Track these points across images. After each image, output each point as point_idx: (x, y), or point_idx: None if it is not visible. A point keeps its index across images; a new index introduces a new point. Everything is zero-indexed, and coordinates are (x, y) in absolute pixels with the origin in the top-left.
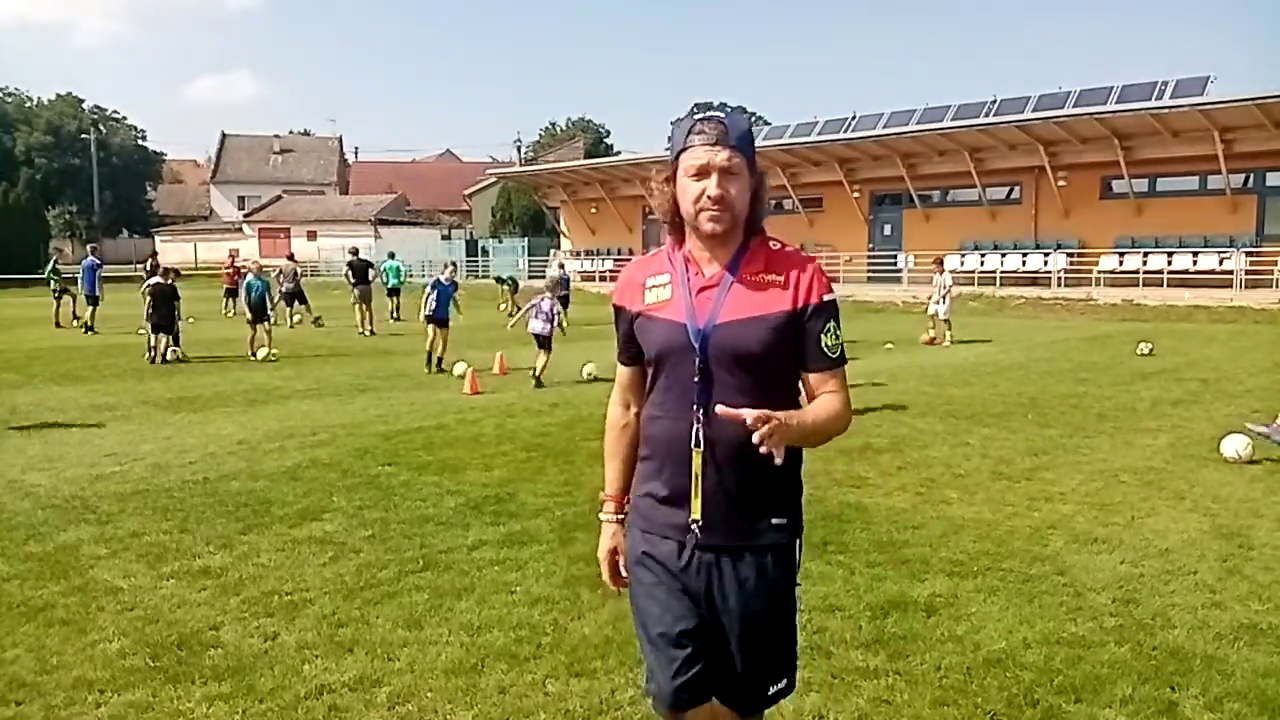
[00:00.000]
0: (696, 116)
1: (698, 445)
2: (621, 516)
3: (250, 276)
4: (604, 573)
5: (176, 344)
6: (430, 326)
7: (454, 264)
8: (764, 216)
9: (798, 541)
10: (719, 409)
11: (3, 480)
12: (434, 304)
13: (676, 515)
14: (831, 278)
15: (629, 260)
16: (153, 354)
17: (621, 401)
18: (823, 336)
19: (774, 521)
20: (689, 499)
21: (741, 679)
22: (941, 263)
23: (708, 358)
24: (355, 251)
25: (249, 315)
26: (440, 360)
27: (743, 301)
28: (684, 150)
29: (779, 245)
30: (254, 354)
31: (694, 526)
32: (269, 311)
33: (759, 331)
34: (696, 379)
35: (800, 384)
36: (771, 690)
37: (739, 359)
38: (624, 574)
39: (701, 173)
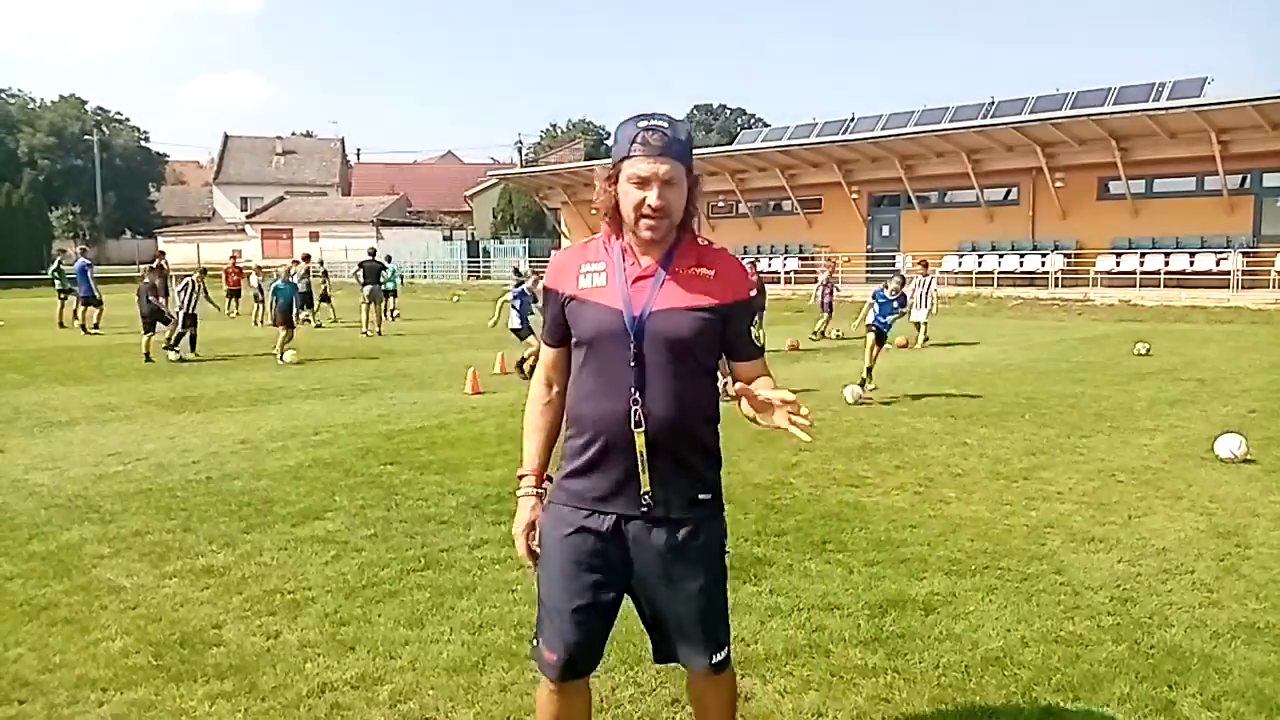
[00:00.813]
0: (641, 125)
1: (638, 425)
2: (540, 491)
3: (279, 281)
4: (519, 547)
5: (192, 347)
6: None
7: (534, 274)
8: (695, 215)
9: (722, 514)
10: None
11: (6, 480)
12: (518, 318)
13: (613, 491)
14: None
15: None
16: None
17: (544, 380)
18: (752, 329)
19: (701, 497)
20: (627, 476)
21: (687, 639)
22: (925, 265)
23: (642, 343)
24: (373, 253)
25: (278, 317)
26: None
27: (676, 292)
28: (627, 158)
29: (706, 243)
30: (281, 358)
31: (645, 498)
32: (300, 313)
33: (690, 321)
34: (632, 363)
35: (717, 371)
36: (715, 659)
37: (671, 345)
38: (536, 550)
39: (643, 183)
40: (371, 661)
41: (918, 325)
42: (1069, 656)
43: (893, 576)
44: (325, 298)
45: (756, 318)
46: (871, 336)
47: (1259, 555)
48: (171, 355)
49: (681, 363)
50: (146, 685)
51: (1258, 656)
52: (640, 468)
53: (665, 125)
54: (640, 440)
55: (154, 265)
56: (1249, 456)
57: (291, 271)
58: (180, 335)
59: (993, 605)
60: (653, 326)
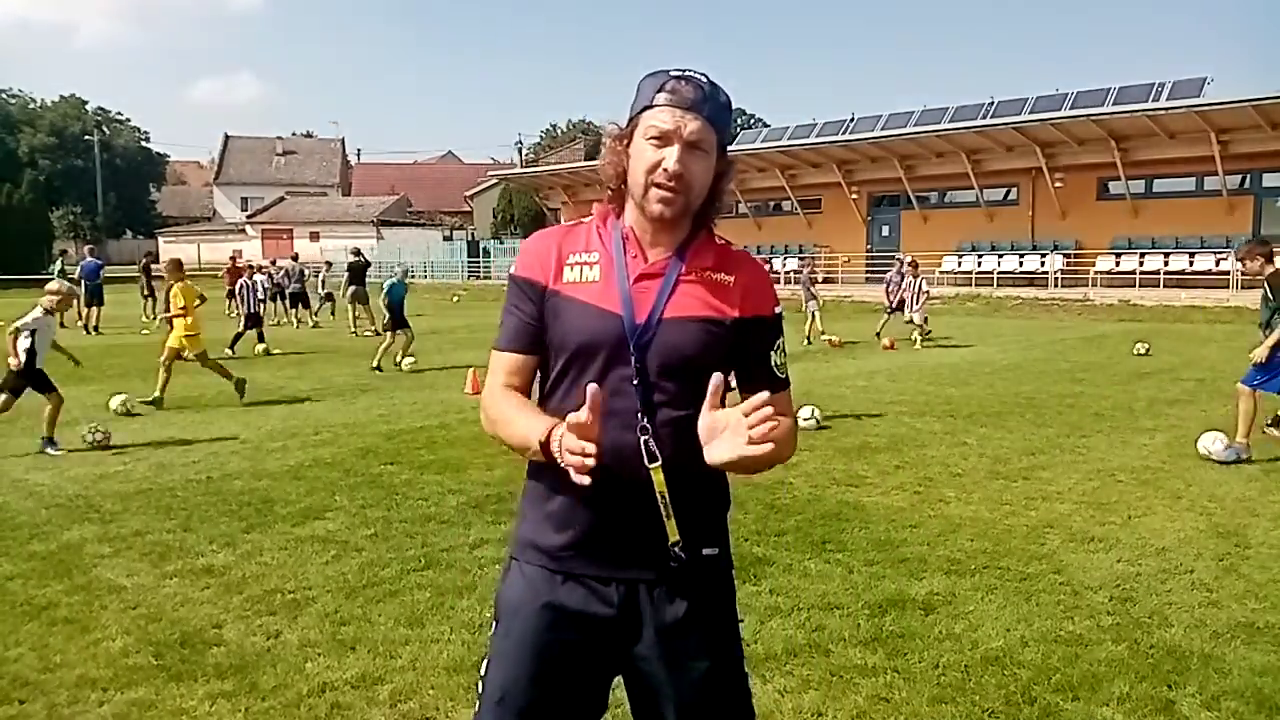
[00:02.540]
0: (672, 73)
1: (653, 460)
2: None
3: (392, 280)
4: (572, 445)
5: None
6: None
7: None
8: (720, 211)
9: (732, 572)
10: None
11: (6, 479)
12: None
13: (620, 548)
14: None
15: None
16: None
17: (502, 387)
18: (773, 354)
19: (717, 552)
20: (638, 527)
21: None
22: (915, 265)
23: (645, 358)
24: (357, 252)
25: (387, 320)
26: None
27: (690, 298)
28: (648, 108)
29: (725, 243)
30: (398, 364)
31: (676, 551)
32: (296, 313)
33: (706, 335)
34: (635, 382)
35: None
36: None
37: (682, 364)
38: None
39: (664, 139)
40: (371, 661)
41: (911, 323)
42: (1069, 656)
43: (893, 576)
44: (304, 300)
45: (780, 340)
46: None
47: (1259, 555)
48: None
49: (688, 386)
50: (147, 685)
51: (1257, 656)
52: (664, 513)
53: (703, 79)
54: (659, 478)
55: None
56: (1246, 456)
57: (409, 272)
58: (239, 335)
59: (992, 605)
60: (661, 338)
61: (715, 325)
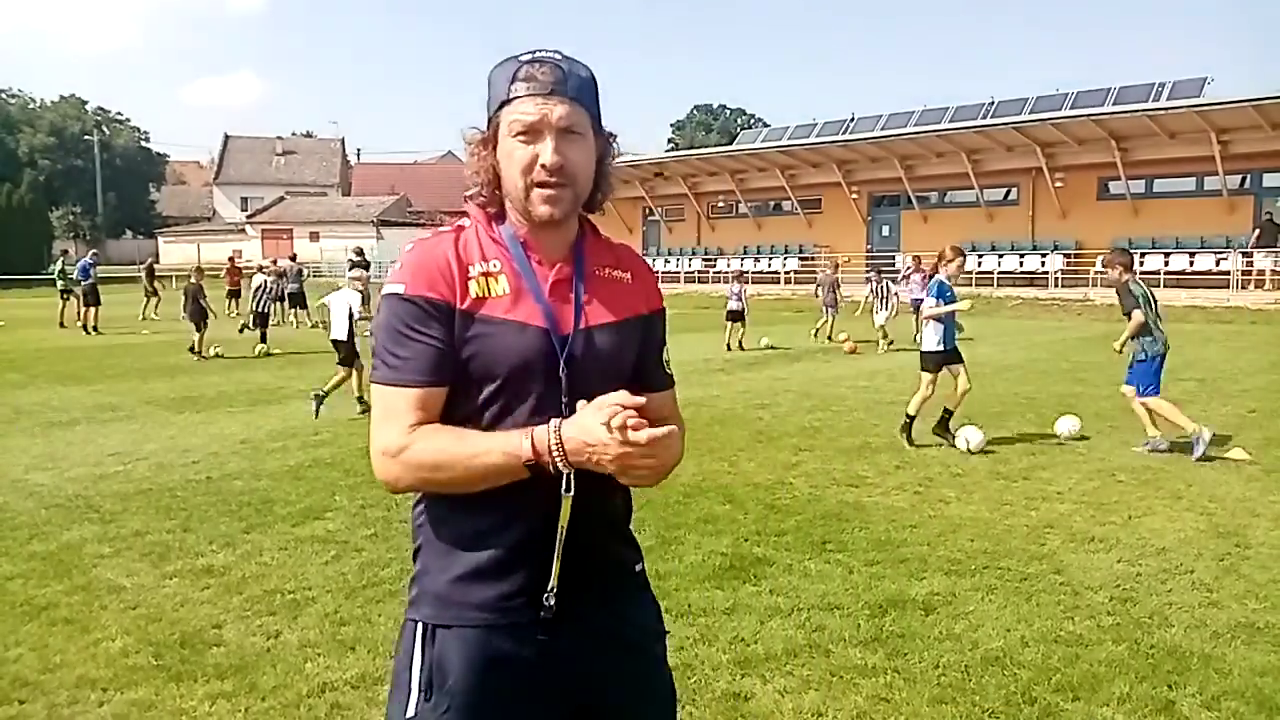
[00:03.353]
0: (523, 59)
1: (568, 490)
2: (558, 422)
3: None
4: (615, 433)
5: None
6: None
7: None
8: (607, 196)
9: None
10: (588, 406)
11: (6, 479)
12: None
13: (535, 589)
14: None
15: None
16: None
17: (409, 427)
18: (664, 350)
19: (639, 568)
20: (545, 566)
21: None
22: (918, 260)
23: (572, 374)
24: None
25: None
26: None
27: (603, 302)
28: (507, 102)
29: (605, 235)
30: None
31: (549, 596)
32: (295, 313)
33: (625, 339)
34: (565, 401)
35: None
36: None
37: (608, 373)
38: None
39: (532, 132)
40: (371, 661)
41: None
42: (1069, 656)
43: (893, 576)
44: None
45: (664, 335)
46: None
47: (1259, 555)
48: (260, 347)
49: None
50: (146, 685)
51: (1257, 656)
52: (556, 552)
53: (558, 56)
54: (565, 509)
55: (198, 268)
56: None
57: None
58: (248, 327)
59: (993, 605)
60: (586, 350)
61: (630, 327)
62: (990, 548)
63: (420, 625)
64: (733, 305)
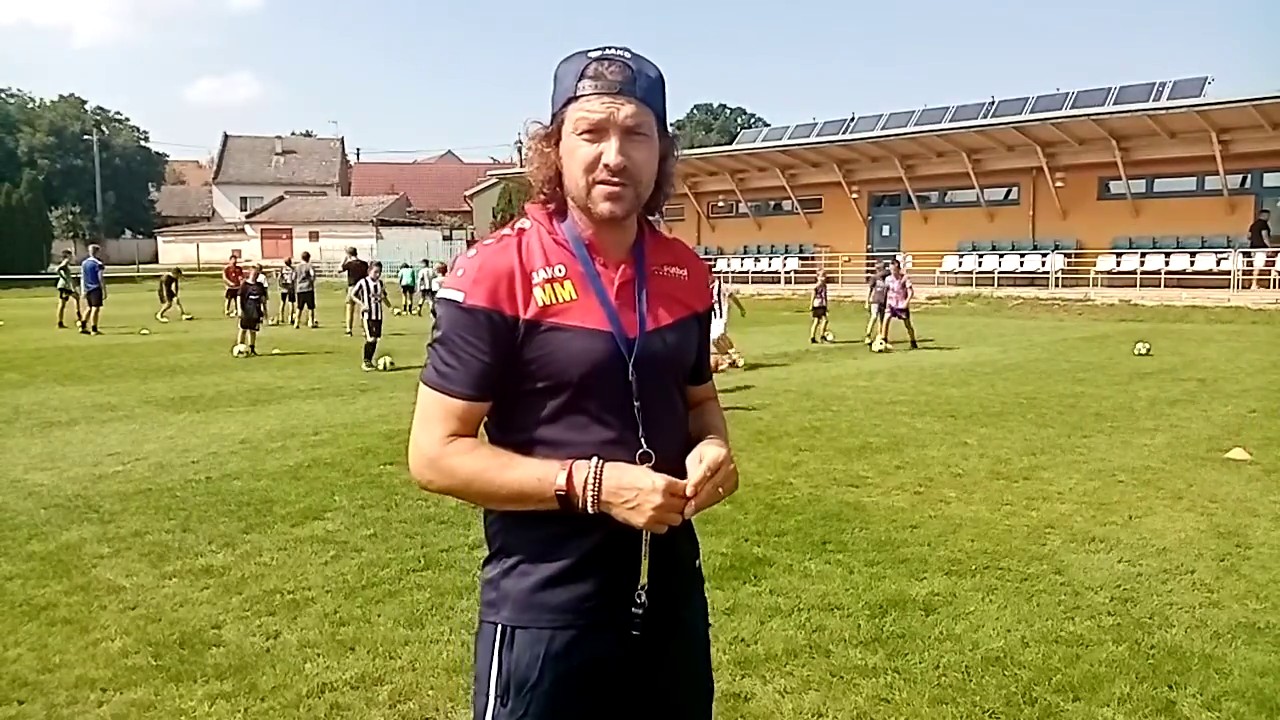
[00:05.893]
0: (592, 55)
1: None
2: (600, 462)
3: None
4: (667, 489)
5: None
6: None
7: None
8: (669, 197)
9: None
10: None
11: (5, 479)
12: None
13: (614, 590)
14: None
15: None
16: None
17: (448, 436)
18: (705, 345)
19: (697, 563)
20: (628, 563)
21: None
22: (898, 264)
23: (640, 376)
24: (354, 252)
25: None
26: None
27: (664, 302)
28: (573, 100)
29: (667, 230)
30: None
31: (641, 595)
32: (300, 313)
33: (685, 338)
34: (637, 403)
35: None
36: None
37: (671, 376)
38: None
39: (597, 131)
40: (371, 661)
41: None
42: (1069, 656)
43: (893, 576)
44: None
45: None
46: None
47: (1259, 555)
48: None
49: (673, 399)
50: (146, 685)
51: (1258, 656)
52: (644, 551)
53: (627, 55)
54: None
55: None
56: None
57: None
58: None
59: (993, 605)
60: (652, 351)
61: (688, 326)
62: (990, 548)
63: (500, 628)
64: (816, 302)
